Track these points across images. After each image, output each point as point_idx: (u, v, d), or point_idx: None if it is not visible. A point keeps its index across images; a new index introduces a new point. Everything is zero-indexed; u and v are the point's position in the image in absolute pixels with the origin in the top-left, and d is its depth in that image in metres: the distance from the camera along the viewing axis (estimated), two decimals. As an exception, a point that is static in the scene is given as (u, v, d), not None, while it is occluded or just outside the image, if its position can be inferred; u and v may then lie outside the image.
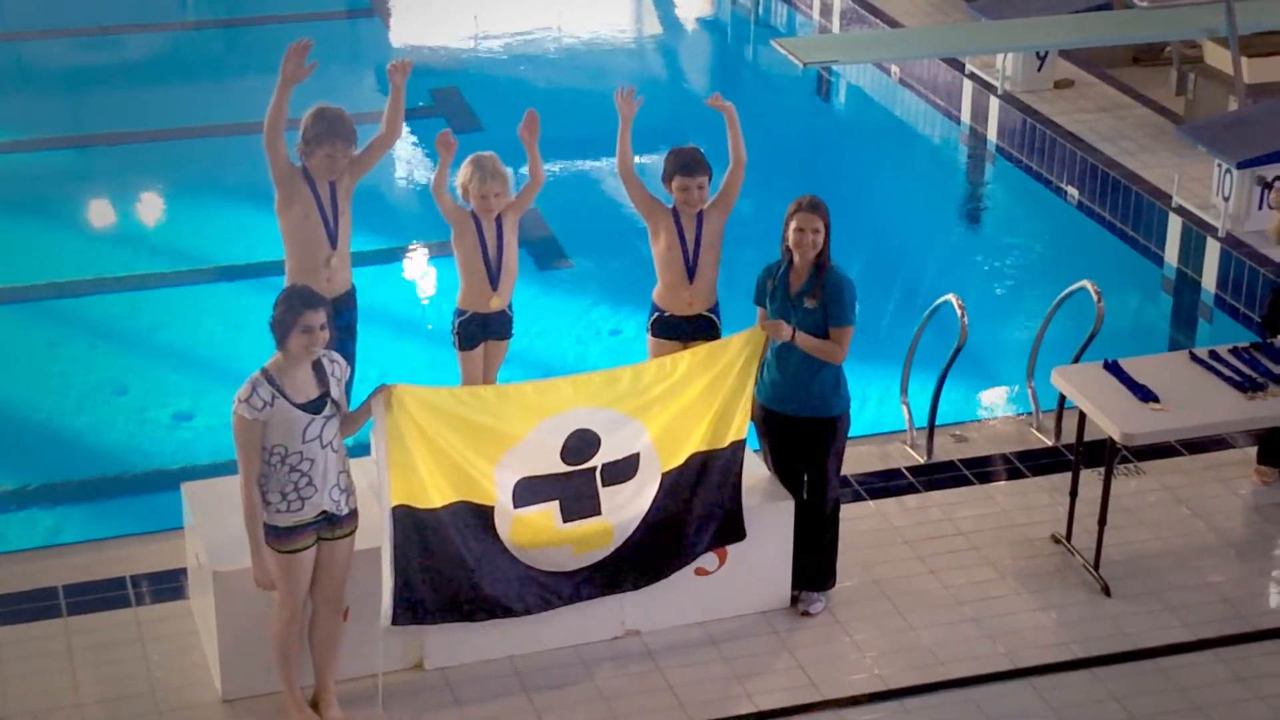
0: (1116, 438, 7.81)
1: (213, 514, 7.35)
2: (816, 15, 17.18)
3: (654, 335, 8.09)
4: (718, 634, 7.67)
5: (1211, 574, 8.16)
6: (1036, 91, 14.10)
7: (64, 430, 10.10)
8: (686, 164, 7.89)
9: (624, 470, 7.30)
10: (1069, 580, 8.10)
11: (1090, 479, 8.38)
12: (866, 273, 12.91)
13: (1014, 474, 9.00)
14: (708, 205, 7.91)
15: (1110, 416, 7.83)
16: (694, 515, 7.46)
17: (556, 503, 7.20)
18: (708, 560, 7.67)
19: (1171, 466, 9.04)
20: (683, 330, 8.01)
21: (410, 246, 12.59)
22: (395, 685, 7.23)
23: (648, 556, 7.42)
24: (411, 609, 7.05)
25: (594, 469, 7.24)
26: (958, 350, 8.81)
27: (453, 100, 15.26)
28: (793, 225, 7.43)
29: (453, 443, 6.95)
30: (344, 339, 7.78)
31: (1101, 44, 14.15)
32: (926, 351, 9.24)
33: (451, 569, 7.07)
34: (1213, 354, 8.33)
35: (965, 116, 14.53)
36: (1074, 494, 8.27)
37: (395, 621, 7.04)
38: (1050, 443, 9.26)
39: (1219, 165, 11.56)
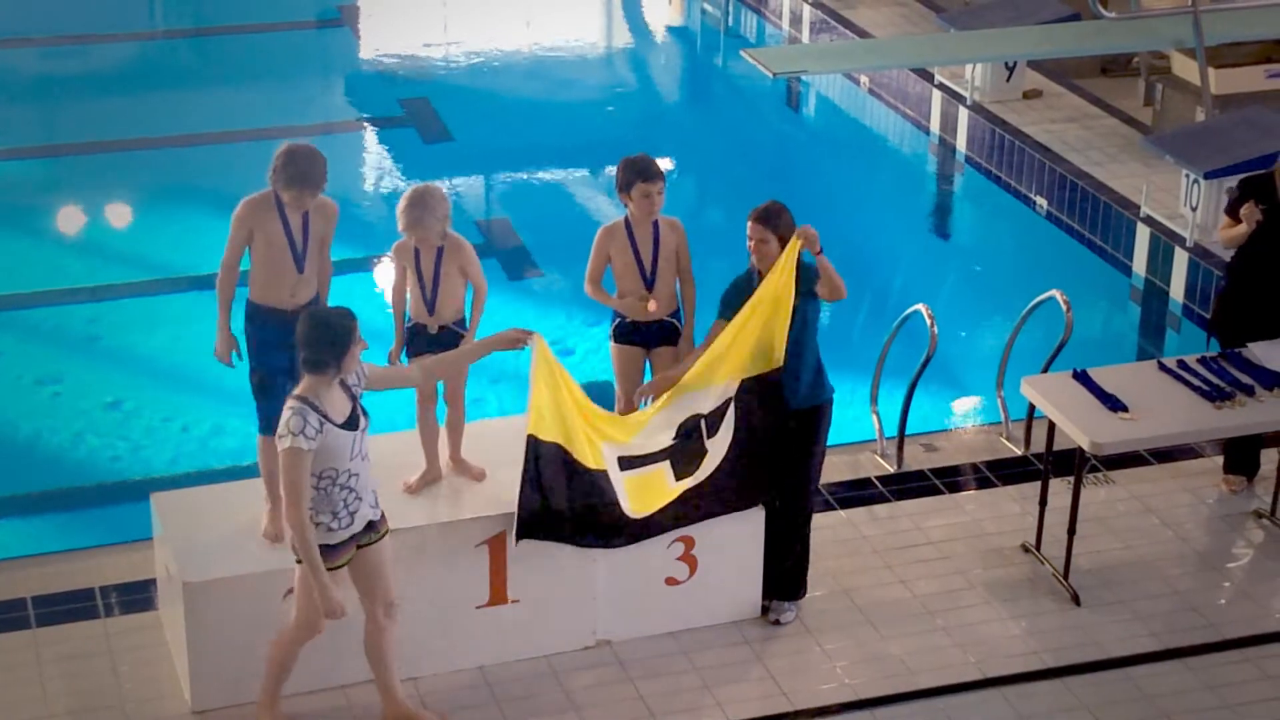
0: (1086, 447, 7.84)
1: (182, 524, 7.33)
2: (786, 26, 17.22)
3: (616, 341, 8.12)
4: (689, 644, 7.67)
5: (1180, 583, 8.19)
6: (1005, 102, 14.15)
7: (32, 440, 10.05)
8: (644, 170, 7.89)
9: (721, 416, 7.54)
10: (1039, 589, 8.12)
11: (1059, 488, 8.41)
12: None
13: (984, 483, 9.02)
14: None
15: (1079, 426, 7.86)
16: (758, 442, 7.58)
17: (667, 462, 7.47)
18: (678, 569, 7.67)
19: (1140, 475, 9.07)
20: (645, 335, 8.03)
21: (377, 257, 12.58)
22: (366, 697, 7.21)
23: (726, 485, 7.58)
24: (532, 528, 7.31)
25: (699, 428, 7.50)
26: (927, 360, 8.83)
27: (422, 110, 15.25)
28: (746, 235, 7.51)
29: (572, 406, 7.30)
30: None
31: (1070, 55, 14.21)
32: (896, 361, 9.26)
33: (564, 495, 7.31)
34: (1181, 363, 8.37)
35: (934, 127, 14.58)
36: (1043, 503, 8.30)
37: (519, 539, 7.30)
38: (1020, 452, 9.28)
39: (1187, 175, 11.62)
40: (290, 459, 6.42)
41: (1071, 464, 8.13)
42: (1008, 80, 14.20)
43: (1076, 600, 8.02)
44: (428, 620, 7.33)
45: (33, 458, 9.86)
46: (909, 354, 9.11)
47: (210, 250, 12.27)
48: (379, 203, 13.78)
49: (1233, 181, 11.32)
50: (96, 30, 17.44)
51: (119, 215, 13.58)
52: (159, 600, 7.74)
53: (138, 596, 7.86)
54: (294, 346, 6.67)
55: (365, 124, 15.24)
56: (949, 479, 9.03)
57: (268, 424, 7.30)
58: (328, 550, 6.63)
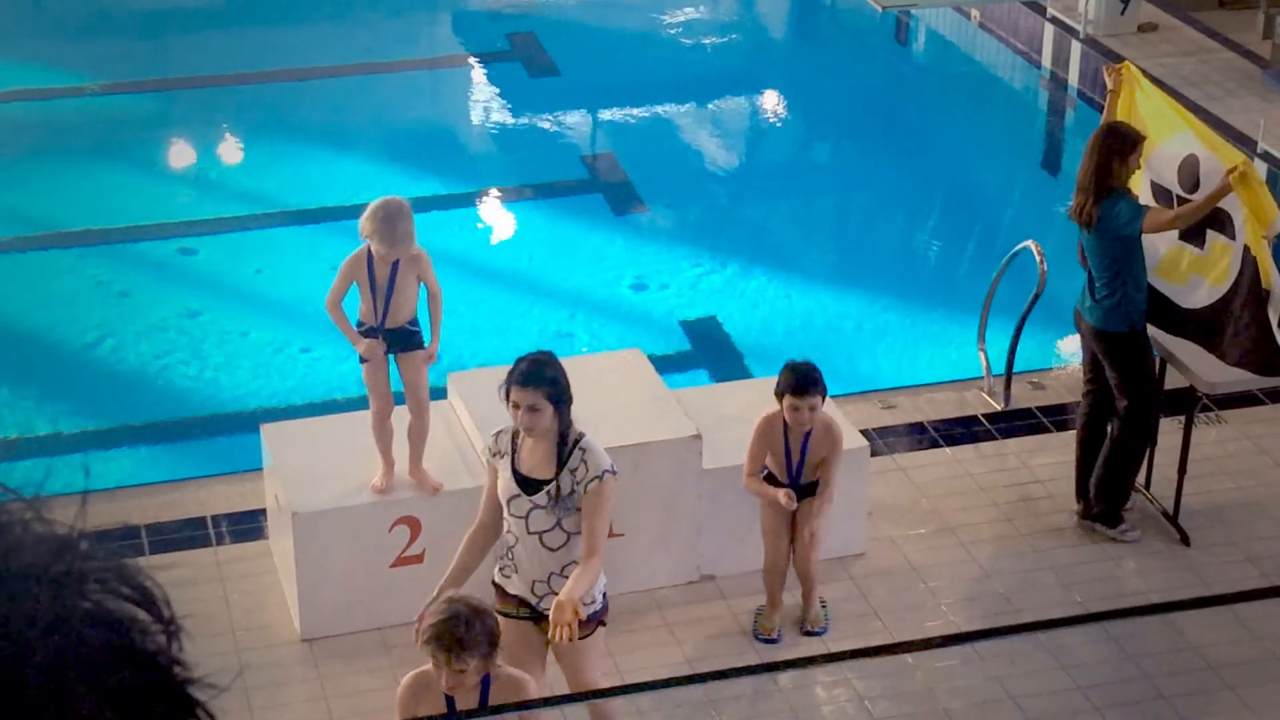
0: (1198, 386, 7.72)
1: (291, 455, 7.42)
2: (896, -41, 17.00)
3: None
4: (792, 579, 7.66)
5: (1292, 524, 8.08)
6: (1119, 35, 13.90)
7: (145, 372, 10.20)
8: (795, 385, 7.18)
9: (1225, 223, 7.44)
10: (1147, 529, 8.04)
11: (1170, 427, 8.29)
12: (944, 219, 12.81)
13: (1092, 422, 8.92)
14: None
15: (1192, 365, 7.74)
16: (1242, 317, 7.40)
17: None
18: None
19: (1253, 415, 8.94)
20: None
21: (485, 190, 12.62)
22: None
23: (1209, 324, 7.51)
24: None
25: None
26: (1036, 297, 8.74)
27: (529, 45, 15.24)
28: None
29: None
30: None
31: (1186, -13, 13.94)
32: (1004, 298, 9.16)
33: None
34: (1297, 301, 8.21)
35: (1046, 61, 14.35)
36: (1153, 442, 8.20)
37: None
38: (1129, 390, 9.16)
39: (1305, 110, 11.38)
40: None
41: (1183, 403, 8.01)
42: (1122, 13, 13.94)
43: (1186, 540, 7.92)
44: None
45: (145, 389, 10.01)
46: (1017, 291, 9.02)
47: (317, 184, 12.45)
48: (485, 138, 13.80)
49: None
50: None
51: (229, 149, 13.71)
52: (269, 530, 7.85)
53: (248, 526, 7.99)
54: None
55: (471, 59, 15.26)
56: (1056, 417, 8.93)
57: None
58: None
